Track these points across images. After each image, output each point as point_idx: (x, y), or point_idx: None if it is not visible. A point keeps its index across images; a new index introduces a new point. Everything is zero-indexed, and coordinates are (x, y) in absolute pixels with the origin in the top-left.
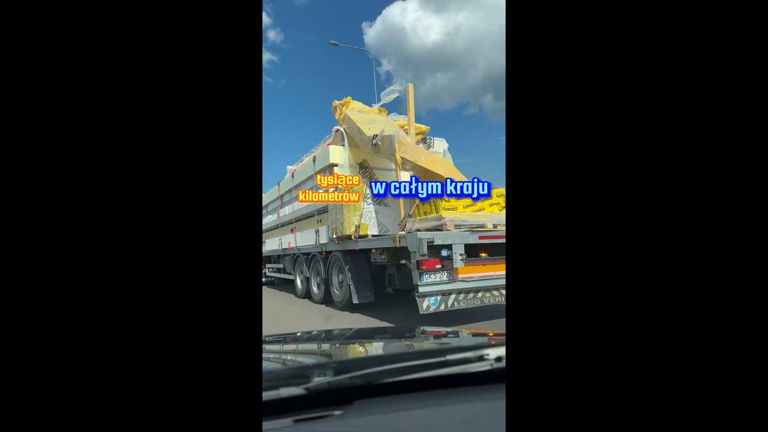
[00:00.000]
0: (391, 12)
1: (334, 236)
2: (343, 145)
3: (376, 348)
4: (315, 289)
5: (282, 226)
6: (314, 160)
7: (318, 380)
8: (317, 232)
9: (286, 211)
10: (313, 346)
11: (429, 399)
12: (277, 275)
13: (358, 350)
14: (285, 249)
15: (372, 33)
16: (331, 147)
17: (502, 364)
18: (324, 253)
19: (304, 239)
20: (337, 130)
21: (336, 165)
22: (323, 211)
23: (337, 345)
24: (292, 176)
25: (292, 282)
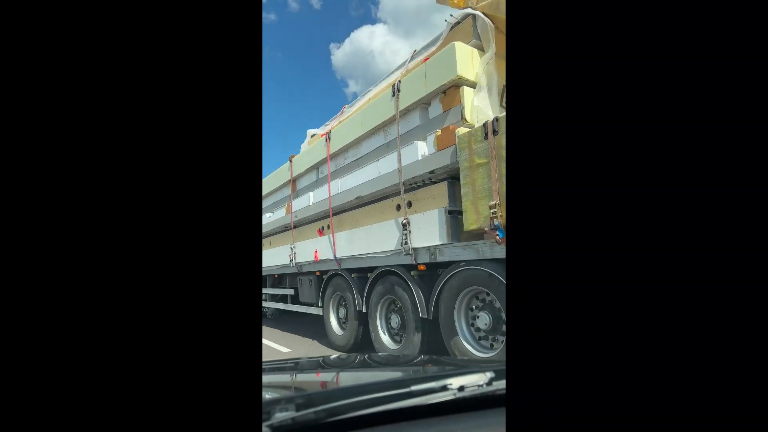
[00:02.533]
0: (360, 35)
1: (495, 224)
2: (479, 46)
3: (342, 379)
4: (386, 339)
5: (296, 227)
6: (396, 89)
7: (281, 416)
8: (406, 225)
9: (310, 200)
10: (276, 378)
11: (396, 431)
12: (278, 306)
13: (322, 382)
14: (301, 264)
15: (339, 54)
16: (458, 45)
17: (465, 393)
18: (422, 268)
19: (358, 244)
20: (468, 15)
21: (468, 84)
22: (427, 182)
23: (301, 376)
24: (327, 139)
25: (311, 317)
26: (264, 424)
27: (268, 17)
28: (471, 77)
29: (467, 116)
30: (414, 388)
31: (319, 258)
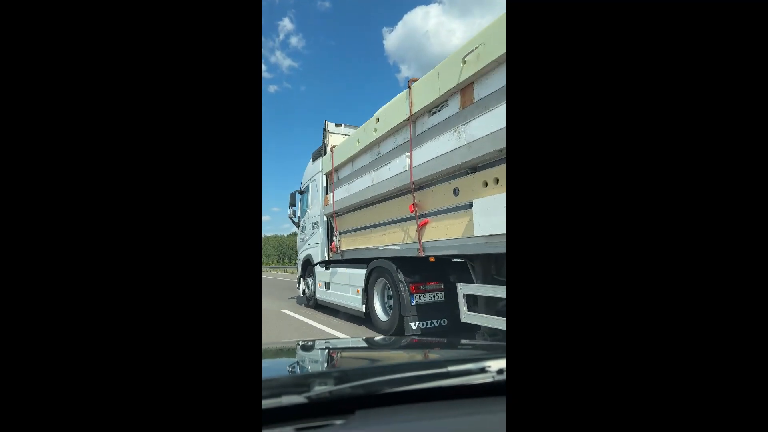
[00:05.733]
0: (413, 17)
1: None
2: None
3: (379, 357)
4: None
5: None
6: None
7: (319, 389)
8: None
9: None
10: (316, 355)
11: (430, 410)
12: None
13: (360, 359)
14: None
15: (392, 38)
16: None
17: (504, 376)
18: None
19: None
20: None
21: None
22: None
23: (340, 354)
24: None
25: None
26: (303, 395)
27: (324, 5)
28: None
29: None
30: (451, 369)
31: None
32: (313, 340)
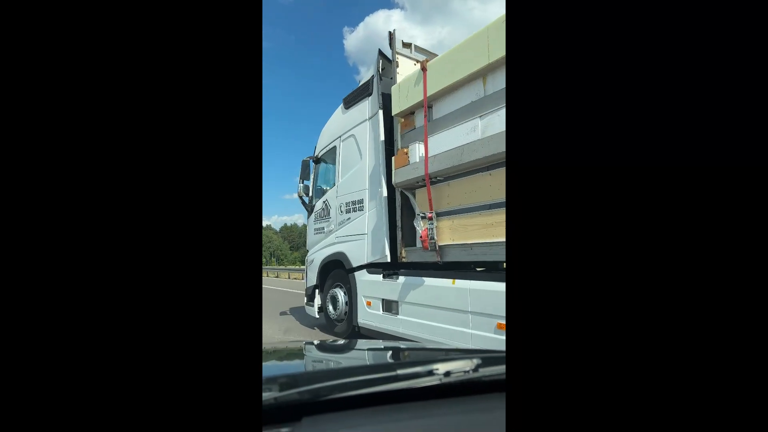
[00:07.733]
0: (374, 20)
1: None
2: None
3: (328, 362)
4: None
5: None
6: None
7: (264, 396)
8: None
9: None
10: (265, 358)
11: (380, 414)
12: None
13: (309, 364)
14: None
15: (353, 39)
16: None
17: (451, 378)
18: None
19: None
20: None
21: None
22: None
23: (291, 358)
24: None
25: None
26: None
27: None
28: None
29: None
30: (400, 372)
31: None
32: (268, 344)
